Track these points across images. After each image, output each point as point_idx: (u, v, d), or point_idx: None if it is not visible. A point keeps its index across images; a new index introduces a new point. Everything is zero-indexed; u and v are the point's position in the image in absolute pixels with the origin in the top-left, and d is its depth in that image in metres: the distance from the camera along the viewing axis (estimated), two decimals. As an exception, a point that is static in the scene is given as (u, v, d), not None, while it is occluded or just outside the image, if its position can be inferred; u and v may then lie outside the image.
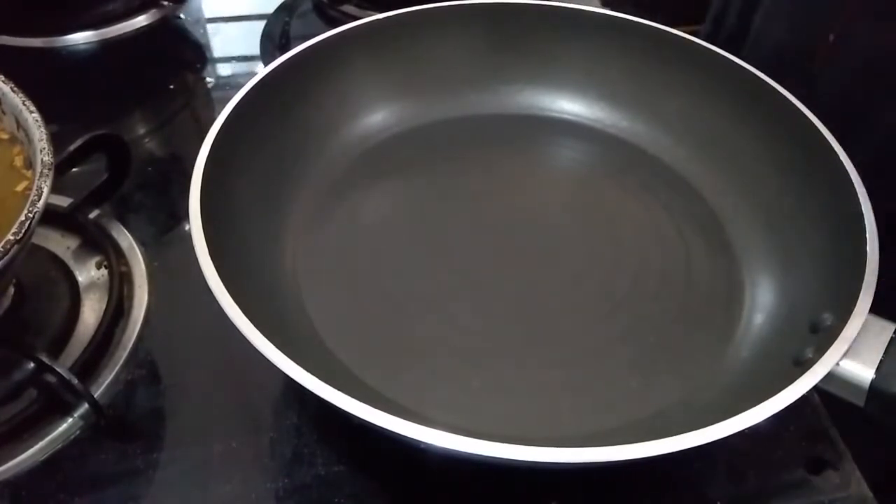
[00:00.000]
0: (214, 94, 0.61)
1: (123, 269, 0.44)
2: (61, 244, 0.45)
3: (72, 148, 0.42)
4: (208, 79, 0.63)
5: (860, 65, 0.53)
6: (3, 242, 0.31)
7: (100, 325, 0.41)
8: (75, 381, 0.36)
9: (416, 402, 0.35)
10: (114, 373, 0.40)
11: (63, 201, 0.45)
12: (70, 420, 0.37)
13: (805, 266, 0.39)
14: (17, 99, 0.38)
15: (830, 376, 0.30)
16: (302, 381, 0.28)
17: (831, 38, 0.54)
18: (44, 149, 0.35)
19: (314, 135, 0.47)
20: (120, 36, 0.63)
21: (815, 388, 0.29)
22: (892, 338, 0.31)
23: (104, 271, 0.44)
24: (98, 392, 0.38)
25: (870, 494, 0.37)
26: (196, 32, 0.68)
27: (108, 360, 0.40)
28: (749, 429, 0.28)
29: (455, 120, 0.51)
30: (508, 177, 0.49)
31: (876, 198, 0.36)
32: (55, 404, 0.37)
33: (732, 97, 0.46)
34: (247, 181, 0.41)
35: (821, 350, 0.30)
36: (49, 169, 0.35)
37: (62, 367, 0.36)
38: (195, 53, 0.66)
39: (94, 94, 0.59)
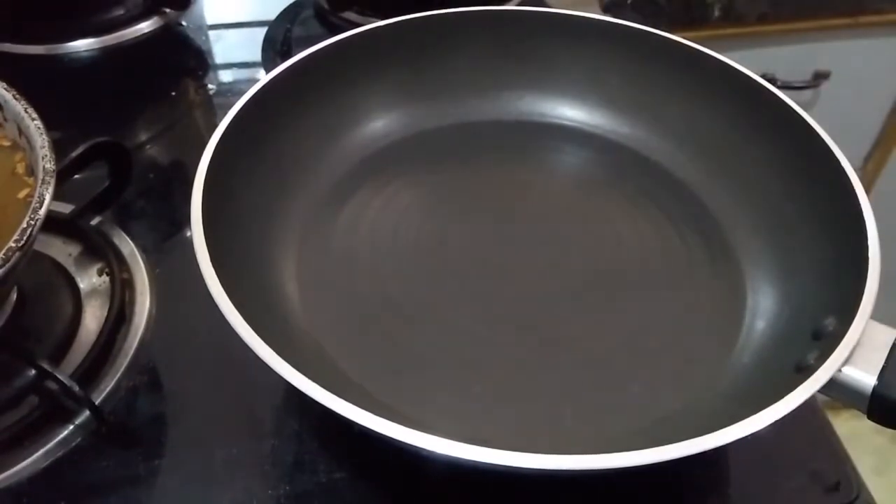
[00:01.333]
0: (216, 101, 0.61)
1: (125, 275, 0.44)
2: (63, 251, 0.45)
3: (73, 155, 0.42)
4: (210, 85, 0.63)
5: None
6: (5, 249, 0.31)
7: (101, 331, 0.41)
8: (76, 387, 0.36)
9: (417, 409, 0.35)
10: (115, 379, 0.40)
11: (65, 208, 0.45)
12: (71, 427, 0.37)
13: (807, 271, 0.39)
14: (19, 106, 0.38)
15: (832, 383, 0.30)
16: (303, 389, 0.28)
17: None
18: (45, 156, 0.35)
19: (316, 141, 0.47)
20: (122, 43, 0.63)
21: (817, 395, 0.29)
22: (894, 344, 0.31)
23: (106, 278, 0.44)
24: (99, 399, 0.38)
25: (873, 500, 0.37)
26: (198, 39, 0.68)
27: (109, 366, 0.40)
28: (751, 435, 0.28)
29: (456, 126, 0.51)
30: (509, 183, 0.49)
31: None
32: (56, 411, 0.37)
33: (733, 103, 0.46)
34: (249, 188, 0.41)
35: (823, 356, 0.30)
36: (51, 176, 0.35)
37: (63, 373, 0.36)
38: (197, 60, 0.66)
39: (95, 102, 0.59)
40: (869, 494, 0.37)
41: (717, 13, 0.87)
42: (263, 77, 0.43)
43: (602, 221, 0.46)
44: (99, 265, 0.44)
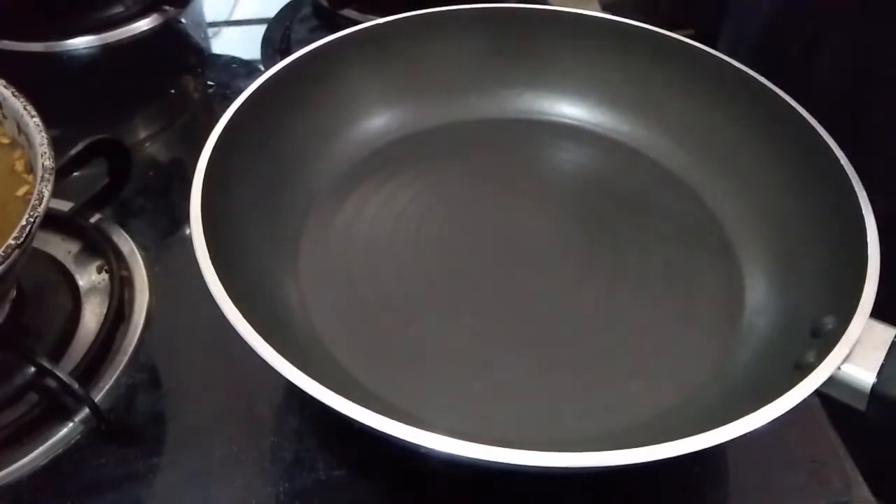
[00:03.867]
0: (215, 99, 0.61)
1: (124, 273, 0.44)
2: (62, 248, 0.45)
3: (73, 152, 0.42)
4: (209, 83, 0.63)
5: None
6: (4, 247, 0.31)
7: (100, 329, 0.41)
8: (76, 385, 0.36)
9: (417, 407, 0.35)
10: (114, 377, 0.40)
11: (64, 205, 0.45)
12: (71, 424, 0.37)
13: (806, 270, 0.39)
14: (18, 103, 0.38)
15: (832, 380, 0.30)
16: (303, 386, 0.28)
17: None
18: (45, 153, 0.35)
19: (315, 139, 0.47)
20: (121, 40, 0.63)
21: (816, 392, 0.29)
22: (892, 342, 0.31)
23: (105, 275, 0.44)
24: (99, 396, 0.38)
25: (871, 498, 0.37)
26: (197, 37, 0.68)
27: (108, 364, 0.40)
28: (750, 433, 0.28)
29: (455, 124, 0.51)
30: (509, 181, 0.49)
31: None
32: (56, 409, 0.37)
33: (732, 100, 0.46)
34: (248, 185, 0.41)
35: (822, 354, 0.30)
36: (50, 173, 0.35)
37: (63, 371, 0.36)
38: (196, 58, 0.66)
39: (95, 99, 0.59)
40: (867, 492, 0.37)
41: (716, 11, 0.87)
42: (262, 74, 0.43)
43: (601, 219, 0.46)
44: (98, 263, 0.44)
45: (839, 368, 0.30)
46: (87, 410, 0.37)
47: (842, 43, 0.53)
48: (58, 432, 0.37)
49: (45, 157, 0.35)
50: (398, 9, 0.49)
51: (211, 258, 0.32)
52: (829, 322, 0.33)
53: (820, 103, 0.43)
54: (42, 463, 0.36)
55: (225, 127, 0.39)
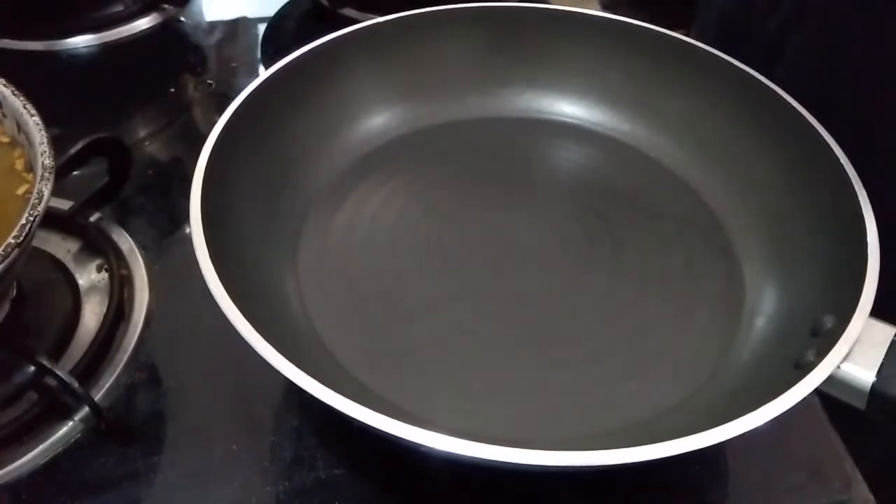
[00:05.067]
0: (215, 98, 0.61)
1: (124, 272, 0.44)
2: (62, 247, 0.45)
3: (72, 151, 0.42)
4: (209, 82, 0.63)
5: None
6: (3, 246, 0.31)
7: (100, 328, 0.41)
8: (76, 384, 0.36)
9: (417, 406, 0.35)
10: (114, 376, 0.40)
11: (64, 204, 0.45)
12: (70, 423, 0.37)
13: (806, 269, 0.39)
14: (17, 102, 0.38)
15: (831, 379, 0.30)
16: (302, 385, 0.28)
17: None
18: (45, 152, 0.35)
19: (314, 138, 0.47)
20: (121, 39, 0.63)
21: (816, 391, 0.30)
22: (892, 341, 0.31)
23: (105, 274, 0.44)
24: (98, 395, 0.38)
25: (871, 497, 0.37)
26: (197, 36, 0.68)
27: (108, 363, 0.40)
28: (750, 432, 0.28)
29: (455, 123, 0.51)
30: (508, 180, 0.49)
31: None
32: (55, 407, 0.37)
33: (733, 99, 0.46)
34: (247, 184, 0.41)
35: (822, 353, 0.30)
36: (50, 172, 0.35)
37: (63, 370, 0.36)
38: (196, 56, 0.66)
39: (94, 98, 0.59)
40: (866, 489, 0.37)
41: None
42: (262, 73, 0.43)
43: (601, 219, 0.46)
44: (98, 262, 0.44)
45: (839, 367, 0.30)
46: (86, 409, 0.37)
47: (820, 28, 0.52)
48: (57, 431, 0.37)
49: (44, 156, 0.35)
50: (398, 7, 0.49)
51: (211, 257, 0.32)
52: (828, 321, 0.33)
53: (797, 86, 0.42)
54: (42, 462, 0.36)
55: (224, 126, 0.39)
